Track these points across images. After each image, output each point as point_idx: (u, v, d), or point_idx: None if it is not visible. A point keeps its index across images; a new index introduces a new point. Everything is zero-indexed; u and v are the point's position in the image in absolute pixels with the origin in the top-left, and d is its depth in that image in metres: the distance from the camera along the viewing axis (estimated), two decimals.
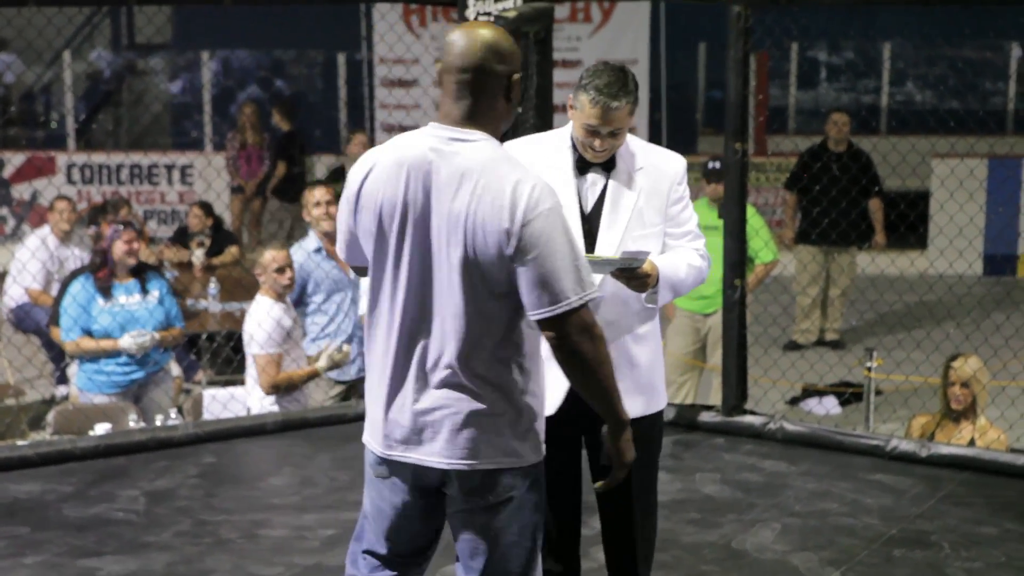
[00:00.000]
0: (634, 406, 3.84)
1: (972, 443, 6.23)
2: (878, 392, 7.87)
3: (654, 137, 12.63)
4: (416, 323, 3.17)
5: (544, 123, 6.49)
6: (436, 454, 3.19)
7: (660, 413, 4.00)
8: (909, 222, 10.53)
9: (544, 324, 3.12)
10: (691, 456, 6.16)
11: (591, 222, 3.80)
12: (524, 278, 3.08)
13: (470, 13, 6.33)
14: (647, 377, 3.89)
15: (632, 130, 3.93)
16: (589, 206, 3.81)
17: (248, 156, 12.87)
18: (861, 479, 5.84)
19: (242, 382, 7.07)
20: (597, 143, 3.73)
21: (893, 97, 16.31)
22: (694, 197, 4.28)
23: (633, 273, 3.70)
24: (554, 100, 6.73)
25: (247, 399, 6.89)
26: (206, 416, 6.92)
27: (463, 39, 3.15)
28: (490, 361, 3.16)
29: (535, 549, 3.31)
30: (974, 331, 8.29)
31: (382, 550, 3.37)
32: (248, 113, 12.98)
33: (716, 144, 13.43)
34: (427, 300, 3.15)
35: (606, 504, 3.96)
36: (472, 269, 3.10)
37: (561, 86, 7.95)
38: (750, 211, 6.83)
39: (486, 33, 3.17)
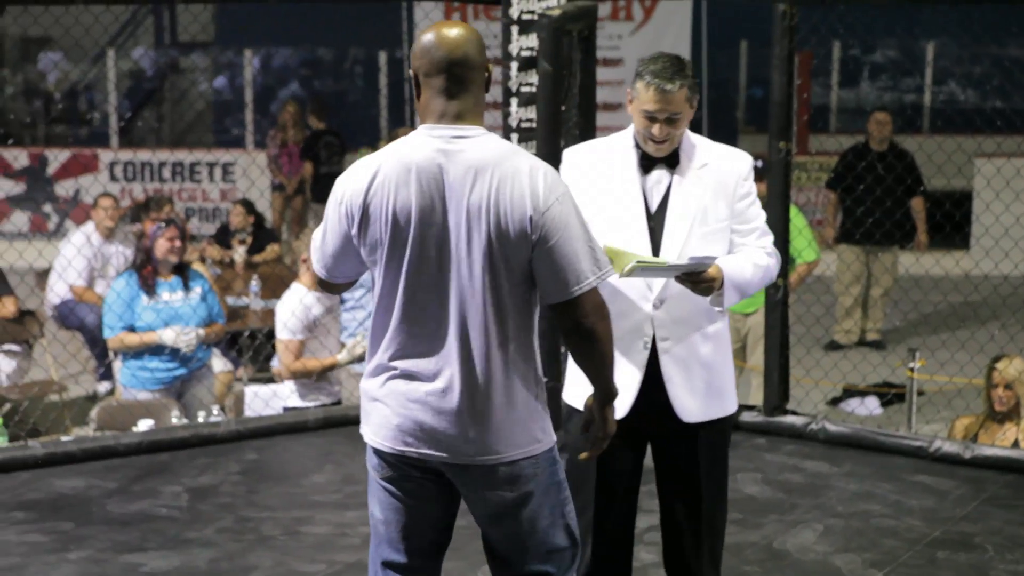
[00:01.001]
0: (704, 409, 3.81)
1: (1016, 444, 6.19)
2: (921, 393, 7.82)
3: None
4: (440, 324, 3.18)
5: (587, 121, 6.48)
6: (465, 451, 3.20)
7: (730, 417, 3.92)
8: (953, 222, 10.45)
9: (563, 307, 3.18)
10: (732, 456, 6.06)
11: (656, 220, 3.74)
12: (545, 263, 3.14)
13: (514, 11, 6.33)
14: (718, 378, 3.82)
15: None
16: (654, 205, 3.76)
17: (290, 154, 12.92)
18: (904, 480, 5.81)
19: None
20: (655, 129, 3.67)
21: (936, 96, 16.20)
22: None
23: (699, 277, 3.64)
24: (596, 98, 6.71)
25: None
26: (248, 413, 6.95)
27: (446, 37, 3.18)
28: (515, 351, 3.20)
29: (571, 524, 3.34)
30: (1019, 332, 8.23)
31: (401, 557, 3.36)
32: (291, 111, 13.03)
33: (756, 142, 13.37)
34: (450, 300, 3.16)
35: (672, 511, 3.91)
36: (497, 260, 3.13)
37: (602, 84, 7.90)
38: (792, 210, 6.80)
39: (463, 29, 3.21)
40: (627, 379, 3.73)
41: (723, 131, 14.99)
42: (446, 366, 3.18)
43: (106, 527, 5.26)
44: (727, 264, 3.70)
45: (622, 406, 3.74)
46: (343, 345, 7.01)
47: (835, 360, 8.42)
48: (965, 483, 5.76)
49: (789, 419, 6.43)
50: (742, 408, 6.63)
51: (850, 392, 8.60)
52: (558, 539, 3.31)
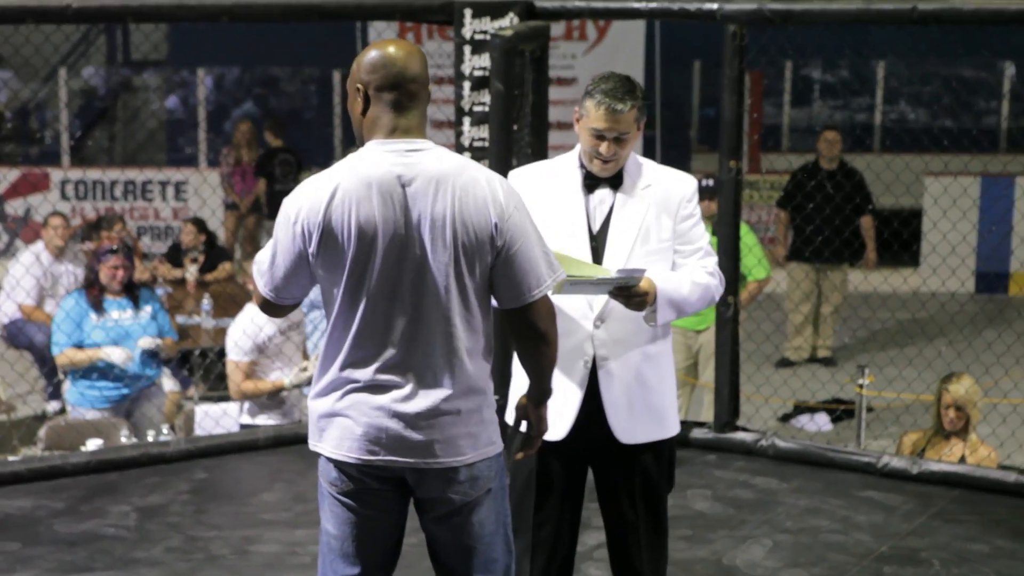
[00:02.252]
0: (643, 430, 3.80)
1: (963, 460, 6.24)
2: (870, 409, 7.88)
3: (648, 154, 12.49)
4: (404, 333, 3.21)
5: (540, 141, 6.51)
6: (429, 454, 3.24)
7: (670, 440, 3.91)
8: (902, 240, 10.54)
9: (520, 311, 3.26)
10: (683, 472, 6.14)
11: (598, 240, 3.77)
12: (507, 268, 3.22)
13: (467, 31, 6.36)
14: (658, 400, 3.83)
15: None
16: (597, 225, 3.79)
17: (243, 173, 12.87)
18: (852, 496, 5.85)
19: None
20: (603, 147, 3.70)
21: (887, 115, 16.35)
22: None
23: (630, 292, 3.65)
24: (550, 118, 6.74)
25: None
26: (198, 432, 6.91)
27: (399, 53, 3.22)
28: (476, 356, 3.27)
29: (509, 536, 3.41)
30: (966, 349, 8.30)
31: (356, 571, 3.37)
32: (244, 130, 13.00)
33: (710, 161, 13.44)
34: (414, 309, 3.21)
35: (613, 530, 3.92)
36: (462, 267, 3.20)
37: (556, 103, 7.95)
38: (743, 228, 6.84)
39: (411, 46, 3.27)
40: (567, 398, 3.75)
41: (676, 150, 15.07)
42: (410, 372, 3.23)
43: (54, 547, 5.22)
44: (662, 280, 3.70)
45: (562, 426, 3.75)
46: (306, 357, 6.99)
47: (785, 377, 8.48)
48: (913, 498, 5.81)
49: (739, 435, 6.46)
50: (693, 425, 6.66)
51: (800, 408, 8.66)
52: (498, 549, 3.36)
